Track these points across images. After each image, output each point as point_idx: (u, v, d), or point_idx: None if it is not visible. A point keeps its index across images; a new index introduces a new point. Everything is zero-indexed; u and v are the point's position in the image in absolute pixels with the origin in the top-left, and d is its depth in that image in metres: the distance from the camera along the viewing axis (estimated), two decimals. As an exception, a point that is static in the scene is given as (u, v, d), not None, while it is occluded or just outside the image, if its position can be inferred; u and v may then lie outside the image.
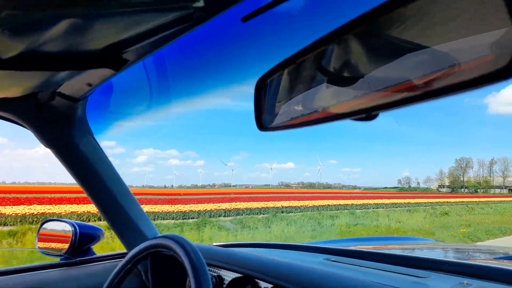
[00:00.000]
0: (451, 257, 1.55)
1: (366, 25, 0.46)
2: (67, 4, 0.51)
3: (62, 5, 0.50)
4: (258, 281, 1.14)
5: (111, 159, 1.36)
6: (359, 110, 0.49)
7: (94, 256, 1.55)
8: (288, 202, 23.71)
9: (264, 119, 0.70)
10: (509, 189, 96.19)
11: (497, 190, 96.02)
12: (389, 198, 33.51)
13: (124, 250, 1.56)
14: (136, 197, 1.44)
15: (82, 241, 1.48)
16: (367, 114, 0.49)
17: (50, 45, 0.63)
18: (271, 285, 1.09)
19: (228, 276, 1.24)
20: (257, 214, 18.69)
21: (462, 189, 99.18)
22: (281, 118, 0.67)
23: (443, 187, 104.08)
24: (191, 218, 15.87)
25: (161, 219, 15.55)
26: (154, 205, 19.11)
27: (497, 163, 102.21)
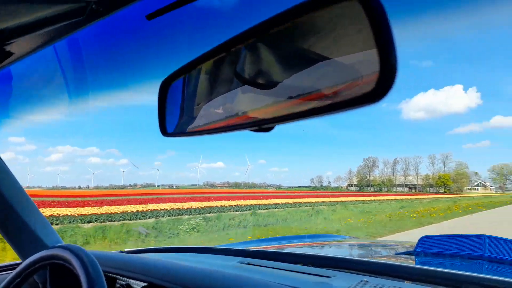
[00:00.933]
0: (357, 254, 1.62)
1: (267, 34, 0.46)
2: None
3: None
4: None
5: (19, 157, 1.21)
6: (256, 121, 0.49)
7: None
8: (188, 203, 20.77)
9: (168, 123, 0.67)
10: (409, 188, 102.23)
11: (399, 189, 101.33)
12: (296, 197, 32.30)
13: (19, 260, 1.40)
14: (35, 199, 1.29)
15: None
16: (262, 126, 0.49)
17: None
18: None
19: (138, 284, 1.15)
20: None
21: (369, 188, 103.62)
22: (185, 124, 0.65)
23: (352, 186, 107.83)
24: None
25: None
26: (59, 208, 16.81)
27: (399, 163, 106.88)
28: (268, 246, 1.59)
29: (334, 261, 1.16)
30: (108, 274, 1.12)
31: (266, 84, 0.47)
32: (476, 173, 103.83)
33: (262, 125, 0.49)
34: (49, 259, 0.94)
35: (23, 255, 1.30)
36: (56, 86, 1.28)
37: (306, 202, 26.09)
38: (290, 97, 0.45)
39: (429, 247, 1.34)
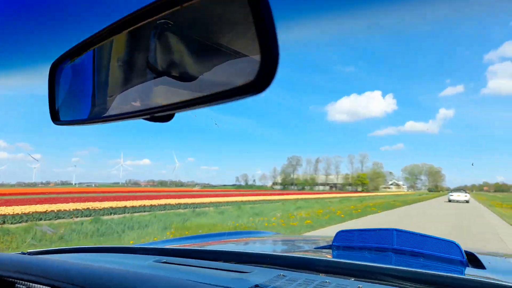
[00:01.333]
0: (278, 250, 1.64)
1: (159, 18, 0.45)
2: None
3: None
4: None
5: None
6: (155, 108, 0.48)
7: None
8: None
9: (61, 110, 0.62)
10: (330, 186, 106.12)
11: (321, 187, 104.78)
12: (200, 196, 30.87)
13: None
14: None
15: None
16: (155, 115, 0.49)
17: None
18: None
19: None
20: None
21: (292, 186, 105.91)
22: (77, 112, 0.61)
23: (276, 184, 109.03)
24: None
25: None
26: None
27: (321, 162, 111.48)
28: (189, 244, 1.54)
29: (252, 256, 1.16)
30: (5, 278, 1.00)
31: (157, 71, 0.46)
32: (391, 172, 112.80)
33: (155, 114, 0.48)
34: None
35: None
36: None
37: (196, 203, 23.00)
38: (180, 86, 0.45)
39: (345, 240, 1.39)
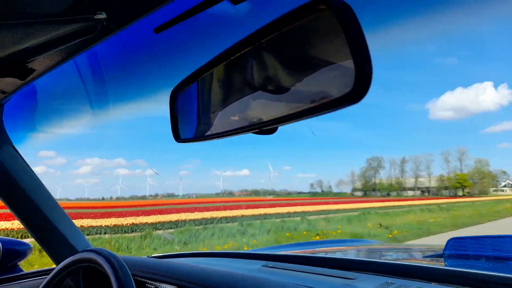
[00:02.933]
0: (382, 257, 1.56)
1: (260, 42, 0.49)
2: None
3: None
4: None
5: (51, 170, 1.23)
6: (262, 123, 0.51)
7: (21, 273, 1.39)
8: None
9: (180, 129, 0.69)
10: (421, 191, 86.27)
11: (410, 192, 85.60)
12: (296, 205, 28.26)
13: (53, 266, 1.42)
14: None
15: (8, 257, 1.32)
16: (262, 128, 0.52)
17: None
18: None
19: None
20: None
21: (374, 192, 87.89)
22: (195, 129, 0.66)
23: (357, 190, 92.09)
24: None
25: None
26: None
27: (408, 162, 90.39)
28: (292, 251, 1.56)
29: (357, 263, 1.12)
30: (137, 278, 1.13)
31: (262, 89, 0.50)
32: (504, 172, 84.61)
33: (262, 128, 0.51)
34: (81, 263, 0.96)
35: (56, 259, 1.32)
36: (78, 99, 1.31)
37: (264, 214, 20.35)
38: (284, 101, 0.48)
39: (457, 249, 1.28)
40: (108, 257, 0.90)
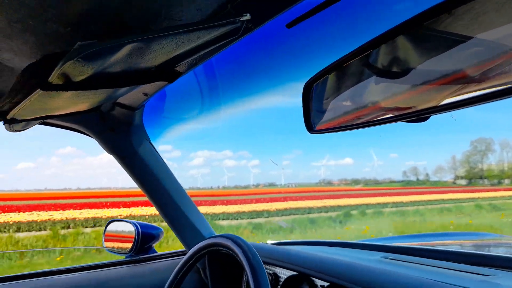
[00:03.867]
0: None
1: (416, 28, 0.45)
2: (130, 32, 0.55)
3: (126, 33, 0.54)
4: (314, 279, 1.08)
5: (169, 163, 1.37)
6: (410, 113, 0.49)
7: (156, 254, 1.54)
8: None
9: (313, 121, 0.70)
10: None
11: None
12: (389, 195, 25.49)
13: (182, 249, 1.56)
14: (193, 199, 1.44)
15: (144, 240, 1.47)
16: (418, 117, 0.49)
17: (114, 66, 0.64)
18: (328, 283, 1.03)
19: (284, 274, 1.18)
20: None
21: (482, 180, 68.55)
22: (329, 121, 0.67)
23: (460, 178, 73.13)
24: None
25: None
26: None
27: None
28: (410, 242, 1.48)
29: (491, 259, 1.02)
30: None
31: (414, 77, 0.47)
32: None
33: (413, 117, 0.49)
34: (213, 246, 1.02)
35: (187, 244, 1.45)
36: (196, 98, 1.39)
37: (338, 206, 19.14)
38: (439, 90, 0.44)
39: None
40: (238, 242, 0.95)
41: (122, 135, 1.21)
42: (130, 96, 1.04)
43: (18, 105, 0.76)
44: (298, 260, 1.16)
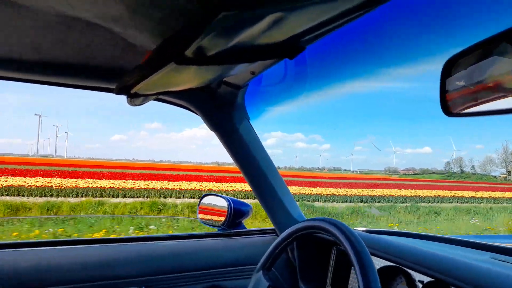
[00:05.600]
0: None
1: None
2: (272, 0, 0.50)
3: (268, 1, 0.50)
4: (412, 272, 0.99)
5: None
6: None
7: (246, 229, 1.56)
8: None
9: (451, 103, 0.62)
10: None
11: None
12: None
13: (271, 227, 1.58)
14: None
15: (236, 215, 1.49)
16: None
17: (249, 40, 0.62)
18: (429, 279, 0.93)
19: (376, 263, 1.10)
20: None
21: None
22: (471, 104, 0.60)
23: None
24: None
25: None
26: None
27: None
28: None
29: None
30: None
31: None
32: None
33: None
34: (313, 229, 0.97)
35: (278, 224, 1.45)
36: (295, 80, 1.36)
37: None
38: None
39: None
40: (341, 227, 0.91)
41: (225, 113, 1.22)
42: (238, 74, 1.04)
43: (145, 80, 0.80)
44: (393, 250, 1.09)
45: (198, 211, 1.63)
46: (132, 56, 0.93)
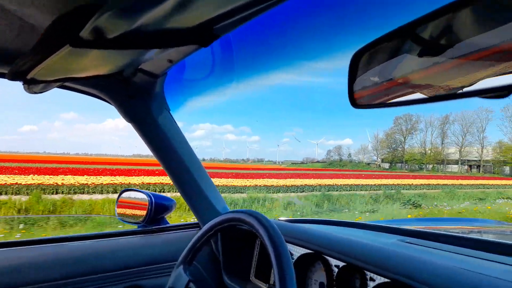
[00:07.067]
0: None
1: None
2: None
3: None
4: (328, 258, 1.02)
5: None
6: (481, 90, 0.44)
7: (169, 225, 1.47)
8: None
9: (358, 95, 0.63)
10: (469, 165, 55.07)
11: (454, 167, 55.10)
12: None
13: (194, 221, 1.51)
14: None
15: (157, 210, 1.40)
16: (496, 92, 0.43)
17: (151, 24, 0.57)
18: (343, 264, 0.97)
19: (297, 251, 1.13)
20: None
21: (400, 164, 60.21)
22: (376, 96, 0.61)
23: (385, 162, 62.93)
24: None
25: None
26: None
27: (454, 123, 57.82)
28: (422, 226, 1.44)
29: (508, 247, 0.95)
30: None
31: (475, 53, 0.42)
32: None
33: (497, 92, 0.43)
34: (234, 221, 0.95)
35: (201, 217, 1.39)
36: (218, 70, 1.32)
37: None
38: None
39: None
40: (261, 219, 0.90)
41: (142, 103, 1.12)
42: (154, 62, 0.95)
43: (41, 64, 0.70)
44: (312, 238, 1.11)
45: (116, 207, 1.52)
46: (29, 37, 0.82)
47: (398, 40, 0.55)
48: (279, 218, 1.55)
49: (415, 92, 0.56)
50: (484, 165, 53.44)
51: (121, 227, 4.12)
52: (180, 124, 1.28)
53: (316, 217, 1.53)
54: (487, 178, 36.40)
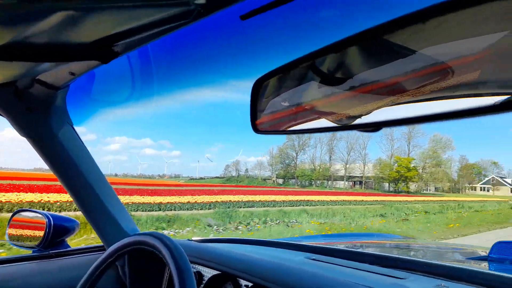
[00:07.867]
0: (426, 257, 1.46)
1: (372, 40, 0.43)
2: None
3: None
4: (239, 279, 1.03)
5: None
6: (362, 124, 0.47)
7: (69, 249, 1.33)
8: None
9: (260, 121, 0.65)
10: (353, 182, 56.91)
11: (341, 183, 56.19)
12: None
13: (99, 244, 1.41)
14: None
15: (56, 233, 1.25)
16: (372, 127, 0.47)
17: (37, 36, 0.53)
18: (251, 284, 0.98)
19: (208, 272, 1.11)
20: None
21: (292, 180, 59.50)
22: (276, 123, 0.63)
23: (280, 178, 62.59)
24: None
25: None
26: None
27: (341, 140, 59.36)
28: (325, 242, 1.52)
29: (405, 262, 1.05)
30: None
31: (367, 87, 0.45)
32: (494, 163, 56.20)
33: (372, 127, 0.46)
34: (138, 244, 0.91)
35: (106, 239, 1.28)
36: (127, 84, 1.27)
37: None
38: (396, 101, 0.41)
39: (504, 253, 1.21)
40: (166, 242, 0.87)
41: (40, 116, 1.01)
42: (54, 73, 0.86)
43: None
44: (222, 260, 1.09)
45: (7, 230, 1.34)
46: None
47: (297, 69, 0.56)
48: (193, 238, 1.51)
49: (313, 120, 0.58)
50: (366, 182, 55.20)
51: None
52: (91, 137, 1.18)
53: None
54: (366, 194, 35.10)
